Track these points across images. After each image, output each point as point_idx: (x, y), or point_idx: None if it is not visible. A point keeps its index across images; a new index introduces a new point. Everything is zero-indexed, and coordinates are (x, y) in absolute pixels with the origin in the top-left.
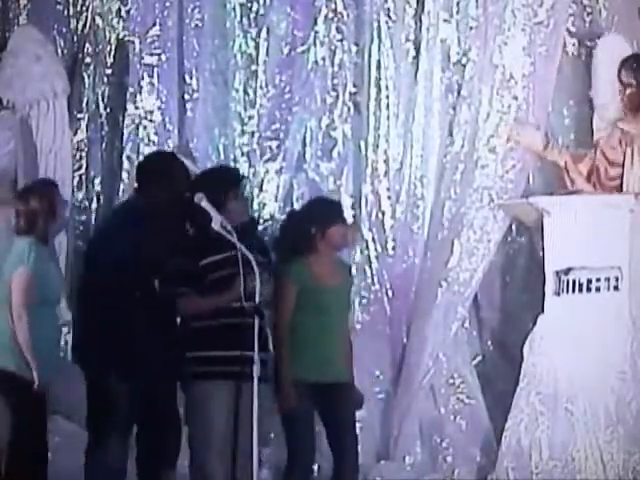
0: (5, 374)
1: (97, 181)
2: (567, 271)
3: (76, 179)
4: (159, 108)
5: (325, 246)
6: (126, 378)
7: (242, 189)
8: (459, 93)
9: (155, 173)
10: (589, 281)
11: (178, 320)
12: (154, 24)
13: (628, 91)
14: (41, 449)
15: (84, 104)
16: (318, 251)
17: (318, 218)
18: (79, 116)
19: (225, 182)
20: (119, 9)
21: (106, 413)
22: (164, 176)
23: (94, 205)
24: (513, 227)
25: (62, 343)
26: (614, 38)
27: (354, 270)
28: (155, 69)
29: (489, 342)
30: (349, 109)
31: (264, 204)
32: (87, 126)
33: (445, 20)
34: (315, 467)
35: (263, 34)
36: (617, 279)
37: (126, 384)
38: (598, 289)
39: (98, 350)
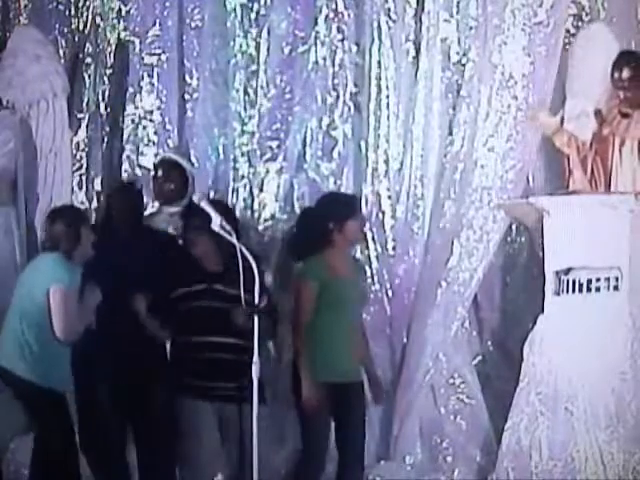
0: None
1: (97, 181)
2: (567, 271)
3: (76, 179)
4: (159, 108)
5: (342, 241)
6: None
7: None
8: (459, 93)
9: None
10: (589, 281)
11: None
12: (154, 24)
13: (623, 92)
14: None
15: (84, 104)
16: (335, 246)
17: (336, 213)
18: (79, 116)
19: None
20: (119, 9)
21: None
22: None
23: (94, 205)
24: (513, 227)
25: None
26: (598, 27)
27: None
28: (155, 69)
29: (489, 342)
30: (349, 109)
31: (264, 204)
32: (87, 126)
33: (445, 20)
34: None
35: (264, 34)
36: (617, 279)
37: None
38: (598, 289)
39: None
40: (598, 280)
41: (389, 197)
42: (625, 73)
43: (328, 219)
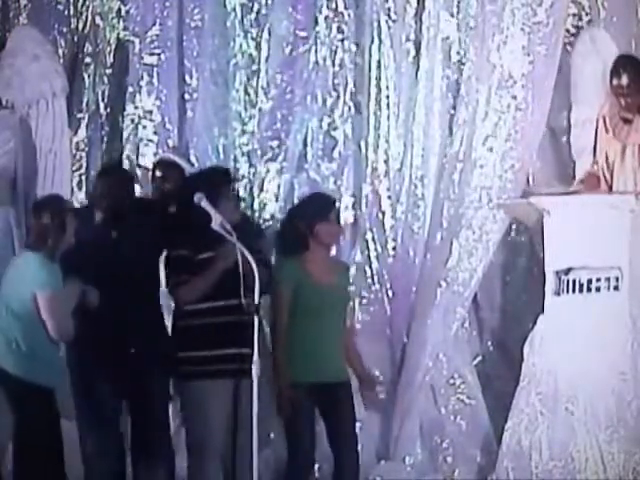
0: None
1: None
2: (567, 271)
3: (76, 179)
4: (159, 108)
5: (315, 243)
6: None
7: (234, 189)
8: (459, 93)
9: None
10: (589, 281)
11: (171, 319)
12: (154, 24)
13: (623, 99)
14: (55, 451)
15: (84, 104)
16: (310, 249)
17: (307, 214)
18: (79, 116)
19: (217, 182)
20: (119, 9)
21: (92, 410)
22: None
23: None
24: (513, 227)
25: None
26: (596, 32)
27: (354, 270)
28: (155, 69)
29: (489, 342)
30: (350, 109)
31: (265, 204)
32: (87, 126)
33: (446, 20)
34: (315, 467)
35: (264, 34)
36: (617, 279)
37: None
38: (598, 289)
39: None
40: (598, 280)
41: (389, 197)
42: (623, 79)
43: (301, 220)
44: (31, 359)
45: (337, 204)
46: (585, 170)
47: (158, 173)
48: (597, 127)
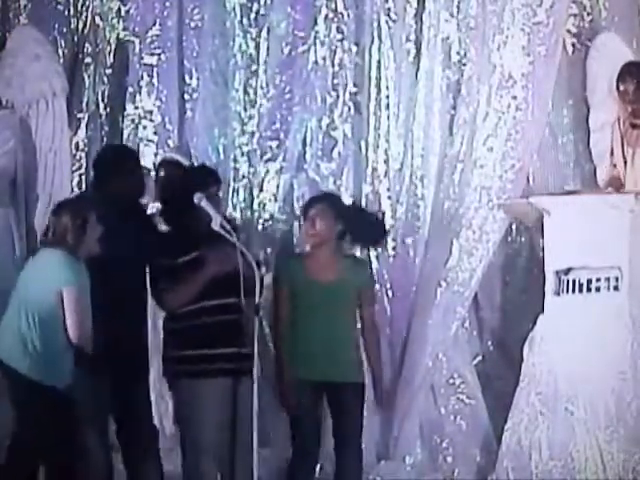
0: (23, 378)
1: None
2: (567, 271)
3: (76, 179)
4: (159, 108)
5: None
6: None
7: (214, 190)
8: (460, 93)
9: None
10: (589, 281)
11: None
12: (154, 24)
13: (630, 106)
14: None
15: (84, 104)
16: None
17: (302, 212)
18: (79, 116)
19: (196, 182)
20: (119, 9)
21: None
22: (119, 172)
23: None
24: (513, 227)
25: None
26: (609, 37)
27: None
28: (155, 69)
29: (489, 342)
30: (349, 109)
31: (264, 204)
32: (87, 126)
33: (446, 20)
34: (317, 467)
35: (263, 34)
36: (617, 279)
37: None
38: (598, 289)
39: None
40: (598, 280)
41: (389, 197)
42: (630, 86)
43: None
44: (45, 361)
45: None
46: (607, 173)
47: (162, 173)
48: (613, 130)
